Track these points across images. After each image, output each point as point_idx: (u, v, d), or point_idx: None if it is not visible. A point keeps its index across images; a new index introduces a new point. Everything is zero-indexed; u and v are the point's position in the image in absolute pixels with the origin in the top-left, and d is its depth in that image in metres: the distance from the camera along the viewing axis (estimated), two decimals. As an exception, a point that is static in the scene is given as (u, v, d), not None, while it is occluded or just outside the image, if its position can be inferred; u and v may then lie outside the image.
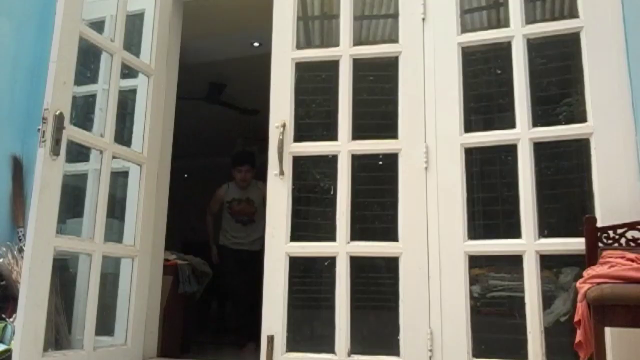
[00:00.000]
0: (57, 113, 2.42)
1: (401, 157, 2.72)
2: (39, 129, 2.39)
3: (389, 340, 2.62)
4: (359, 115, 2.84)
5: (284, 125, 2.80)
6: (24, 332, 2.28)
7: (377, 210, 2.91)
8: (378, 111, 2.99)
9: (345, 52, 2.87)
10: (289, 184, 2.80)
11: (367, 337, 2.74)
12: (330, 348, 2.62)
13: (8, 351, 2.55)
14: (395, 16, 2.90)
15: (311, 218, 2.92)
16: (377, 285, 2.81)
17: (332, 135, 2.84)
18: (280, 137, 2.78)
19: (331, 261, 2.72)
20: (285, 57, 2.92)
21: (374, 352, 2.61)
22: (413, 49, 2.80)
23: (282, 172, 2.77)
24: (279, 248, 2.75)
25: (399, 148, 2.73)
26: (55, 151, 2.42)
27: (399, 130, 2.76)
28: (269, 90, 2.90)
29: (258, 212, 4.59)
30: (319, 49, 3.05)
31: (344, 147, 2.79)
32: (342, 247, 2.70)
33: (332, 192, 2.80)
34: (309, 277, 2.91)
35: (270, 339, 2.64)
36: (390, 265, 2.68)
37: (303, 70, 2.96)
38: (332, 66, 2.89)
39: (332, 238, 2.72)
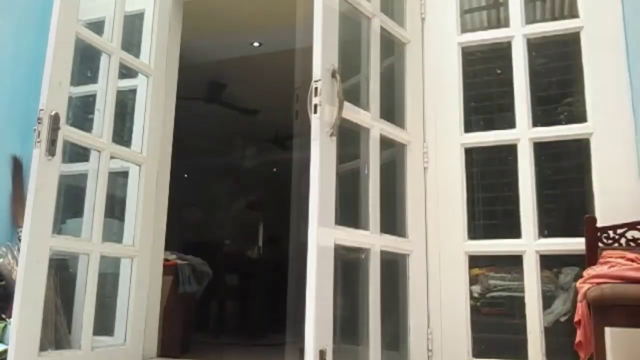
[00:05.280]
0: (53, 113, 2.41)
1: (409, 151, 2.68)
2: (34, 129, 2.39)
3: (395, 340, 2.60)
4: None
5: (335, 72, 2.21)
6: (19, 332, 2.27)
7: (388, 202, 2.81)
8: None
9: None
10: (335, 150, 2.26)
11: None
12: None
13: (8, 351, 2.54)
14: (395, 16, 2.89)
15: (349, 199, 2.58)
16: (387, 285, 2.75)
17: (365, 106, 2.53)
18: (341, 81, 2.21)
19: (365, 254, 2.42)
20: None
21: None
22: (413, 49, 2.80)
23: (333, 134, 2.19)
24: (328, 235, 2.17)
25: (408, 140, 2.70)
26: (50, 151, 2.41)
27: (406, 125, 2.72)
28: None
29: None
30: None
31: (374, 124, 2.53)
32: (376, 239, 2.42)
33: (366, 172, 2.46)
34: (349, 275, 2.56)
35: (322, 354, 2.07)
36: (399, 263, 2.64)
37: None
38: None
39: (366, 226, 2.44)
